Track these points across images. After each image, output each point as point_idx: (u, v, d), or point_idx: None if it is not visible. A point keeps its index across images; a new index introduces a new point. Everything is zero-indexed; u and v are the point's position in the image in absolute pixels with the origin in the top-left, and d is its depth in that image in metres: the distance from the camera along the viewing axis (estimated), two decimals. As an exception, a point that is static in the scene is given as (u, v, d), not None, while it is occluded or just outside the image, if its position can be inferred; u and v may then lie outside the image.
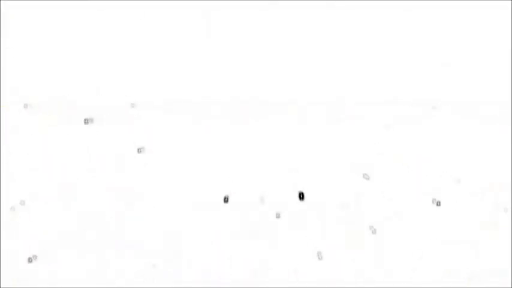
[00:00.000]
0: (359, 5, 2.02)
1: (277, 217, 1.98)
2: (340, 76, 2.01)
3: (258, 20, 2.02)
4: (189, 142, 2.00)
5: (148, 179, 1.99)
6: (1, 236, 1.96)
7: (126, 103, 2.00)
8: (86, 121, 1.98)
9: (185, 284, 1.97)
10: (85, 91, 2.01)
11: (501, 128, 1.98)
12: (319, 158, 1.99)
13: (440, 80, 2.01)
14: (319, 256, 1.97)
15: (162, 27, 2.02)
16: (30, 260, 1.94)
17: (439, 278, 1.96)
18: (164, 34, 2.02)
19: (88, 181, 1.98)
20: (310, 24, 2.02)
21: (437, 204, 1.97)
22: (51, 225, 1.97)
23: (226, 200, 1.98)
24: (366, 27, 2.02)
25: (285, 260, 1.98)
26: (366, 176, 1.98)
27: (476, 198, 1.98)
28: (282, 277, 1.97)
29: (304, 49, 2.02)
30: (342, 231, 1.98)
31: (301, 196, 1.99)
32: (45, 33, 2.02)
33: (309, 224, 1.98)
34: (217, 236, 1.98)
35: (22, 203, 1.96)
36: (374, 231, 1.97)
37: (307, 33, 2.02)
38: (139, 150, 1.97)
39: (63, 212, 1.97)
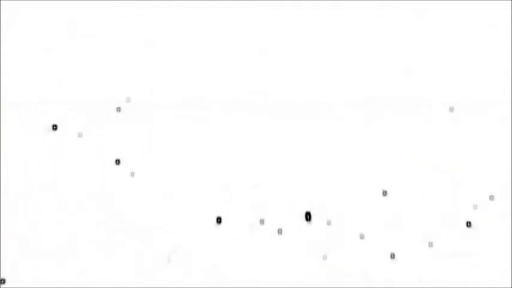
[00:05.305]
0: (370, 5, 2.02)
1: (279, 233, 1.96)
2: (345, 78, 2.02)
3: (258, 20, 2.02)
4: (187, 143, 2.01)
5: (140, 192, 1.99)
6: (1, 235, 1.96)
7: (124, 103, 2.01)
8: (54, 127, 1.97)
9: None
10: (79, 93, 2.01)
11: (501, 128, 1.99)
12: (330, 165, 1.98)
13: (441, 81, 2.01)
14: None
15: (161, 27, 2.02)
16: (2, 282, 1.94)
17: (440, 277, 1.96)
18: (163, 34, 2.02)
19: (80, 188, 1.98)
20: (317, 25, 2.02)
21: (467, 225, 1.96)
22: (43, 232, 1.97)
23: (219, 220, 1.96)
24: (373, 32, 2.03)
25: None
26: (384, 193, 1.96)
27: (479, 199, 1.99)
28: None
29: (313, 50, 2.02)
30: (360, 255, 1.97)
31: (308, 217, 1.97)
32: (40, 34, 2.02)
33: (319, 245, 1.96)
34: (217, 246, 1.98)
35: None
36: (392, 256, 1.96)
37: (315, 34, 2.02)
38: (117, 162, 1.96)
39: (53, 221, 1.97)
